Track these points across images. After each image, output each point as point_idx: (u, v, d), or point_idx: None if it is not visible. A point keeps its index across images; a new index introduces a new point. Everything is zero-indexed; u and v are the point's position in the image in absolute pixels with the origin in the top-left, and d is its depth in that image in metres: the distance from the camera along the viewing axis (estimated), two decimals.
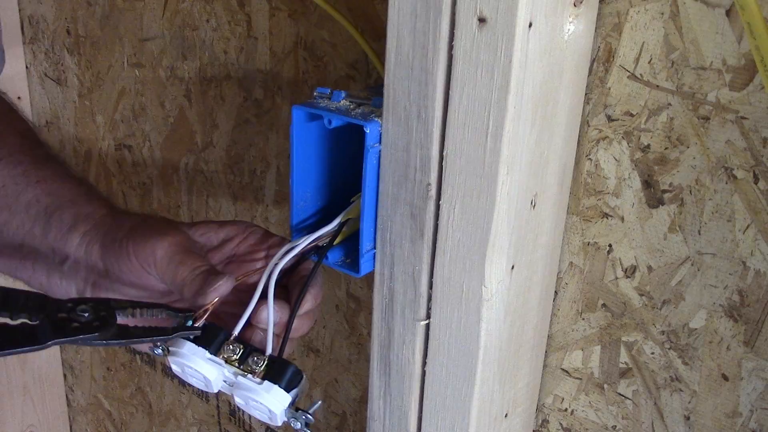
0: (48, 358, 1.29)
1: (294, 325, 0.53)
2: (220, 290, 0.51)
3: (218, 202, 0.88)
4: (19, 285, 0.56)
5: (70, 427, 1.37)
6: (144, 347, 0.55)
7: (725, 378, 0.52)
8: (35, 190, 0.57)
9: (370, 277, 0.56)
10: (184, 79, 0.86)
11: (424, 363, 0.54)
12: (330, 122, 0.53)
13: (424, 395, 0.55)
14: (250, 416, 0.97)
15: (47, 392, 1.31)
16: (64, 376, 1.33)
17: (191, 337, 0.51)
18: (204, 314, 0.52)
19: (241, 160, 0.83)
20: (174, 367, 0.52)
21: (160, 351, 0.52)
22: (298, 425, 0.50)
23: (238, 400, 0.51)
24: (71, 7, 0.98)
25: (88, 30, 0.97)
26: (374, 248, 0.54)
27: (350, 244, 0.57)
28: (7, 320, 0.46)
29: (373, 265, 0.55)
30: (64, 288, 0.57)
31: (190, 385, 0.55)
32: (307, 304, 0.54)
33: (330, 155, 0.59)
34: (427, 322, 0.53)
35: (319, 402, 0.52)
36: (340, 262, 0.58)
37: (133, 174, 1.00)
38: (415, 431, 0.57)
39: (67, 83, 1.05)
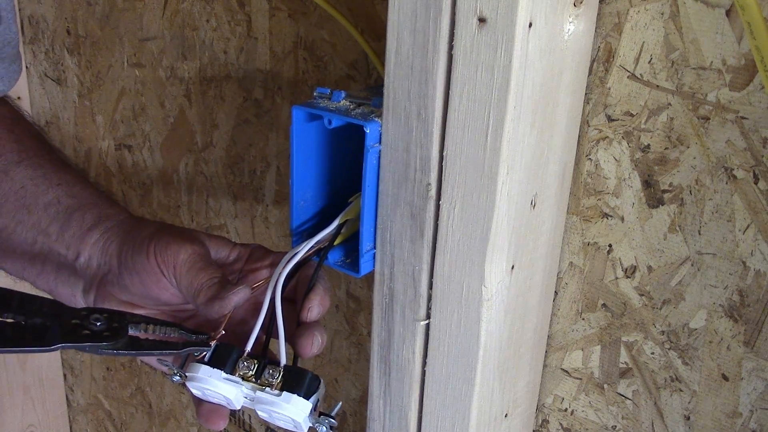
0: (48, 358, 1.29)
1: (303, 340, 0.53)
2: (239, 296, 0.51)
3: (218, 202, 0.88)
4: (25, 286, 0.57)
5: (70, 427, 1.37)
6: (159, 368, 0.55)
7: (725, 378, 0.52)
8: (56, 192, 0.58)
9: (370, 277, 0.56)
10: (184, 79, 0.86)
11: (424, 363, 0.54)
12: (330, 122, 0.53)
13: (424, 395, 0.55)
14: (250, 416, 0.97)
15: (47, 392, 1.31)
16: (64, 376, 1.33)
17: (206, 359, 0.51)
18: (217, 334, 0.52)
19: (241, 160, 0.83)
20: (194, 392, 0.52)
21: (178, 378, 0.52)
22: (323, 429, 0.51)
23: (262, 414, 0.51)
24: (71, 7, 0.98)
25: (88, 30, 0.97)
26: (374, 248, 0.54)
27: (350, 244, 0.57)
28: (21, 320, 0.46)
29: (373, 265, 0.55)
30: (70, 288, 0.57)
31: None
32: (314, 311, 0.54)
33: (330, 155, 0.59)
34: (427, 322, 0.53)
35: (340, 404, 0.52)
36: (340, 262, 0.58)
37: (133, 174, 1.00)
38: (415, 431, 0.57)
39: (67, 83, 1.05)
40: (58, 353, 1.30)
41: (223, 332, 0.52)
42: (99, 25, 0.95)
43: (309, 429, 0.51)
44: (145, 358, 0.59)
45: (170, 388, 1.09)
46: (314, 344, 0.53)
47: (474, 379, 0.52)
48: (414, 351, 0.54)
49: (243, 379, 0.51)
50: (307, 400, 0.50)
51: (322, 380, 0.52)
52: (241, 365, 0.51)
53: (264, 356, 0.52)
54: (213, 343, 0.52)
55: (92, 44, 0.97)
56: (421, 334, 0.54)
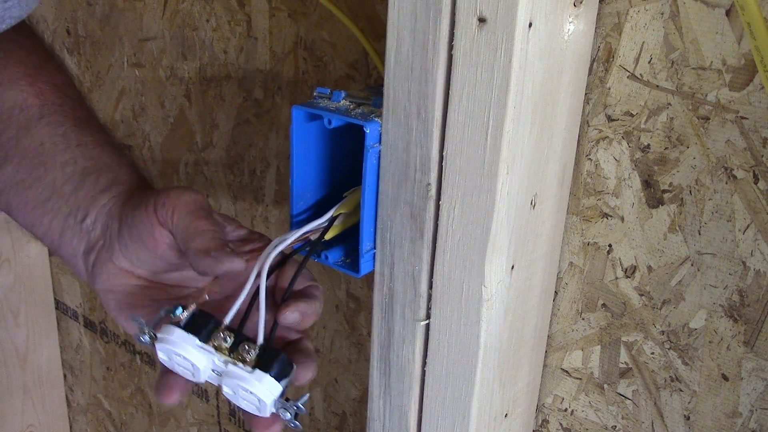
0: (48, 358, 1.29)
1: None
2: (233, 264, 0.50)
3: (218, 202, 0.88)
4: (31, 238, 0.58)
5: (70, 427, 1.37)
6: (130, 329, 0.54)
7: (725, 378, 0.52)
8: (74, 152, 0.58)
9: (370, 277, 0.56)
10: (184, 79, 0.86)
11: (424, 363, 0.54)
12: (330, 122, 0.53)
13: (424, 395, 0.55)
14: None
15: (47, 392, 1.31)
16: (64, 376, 1.33)
17: (182, 324, 0.50)
18: (200, 298, 0.50)
19: (241, 160, 0.83)
20: (161, 355, 0.51)
21: (147, 338, 0.51)
22: (288, 416, 0.49)
23: (226, 390, 0.50)
24: (71, 7, 0.98)
25: (88, 30, 0.97)
26: (374, 248, 0.54)
27: (350, 244, 0.57)
28: None
29: (373, 265, 0.55)
30: (72, 249, 0.57)
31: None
32: (289, 318, 0.53)
33: (330, 155, 0.59)
34: (427, 322, 0.53)
35: (307, 395, 0.51)
36: (340, 262, 0.58)
37: None
38: (415, 431, 0.57)
39: None
40: (56, 352, 1.30)
41: (207, 298, 0.51)
42: (99, 25, 0.95)
43: (271, 414, 0.50)
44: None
45: None
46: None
47: (474, 379, 0.52)
48: (414, 351, 0.54)
49: (216, 349, 0.50)
50: (279, 382, 0.49)
51: (294, 366, 0.51)
52: (217, 335, 0.50)
53: (241, 332, 0.51)
54: (192, 309, 0.50)
55: (92, 44, 0.97)
56: (421, 334, 0.54)
